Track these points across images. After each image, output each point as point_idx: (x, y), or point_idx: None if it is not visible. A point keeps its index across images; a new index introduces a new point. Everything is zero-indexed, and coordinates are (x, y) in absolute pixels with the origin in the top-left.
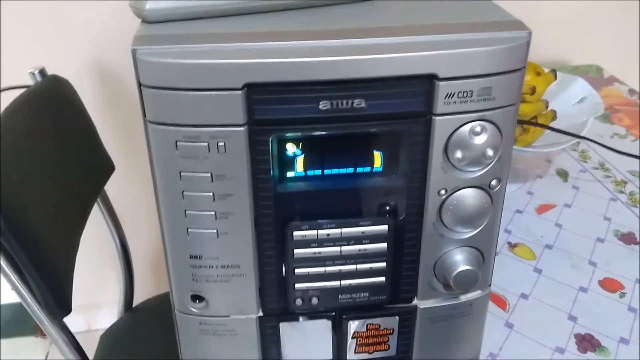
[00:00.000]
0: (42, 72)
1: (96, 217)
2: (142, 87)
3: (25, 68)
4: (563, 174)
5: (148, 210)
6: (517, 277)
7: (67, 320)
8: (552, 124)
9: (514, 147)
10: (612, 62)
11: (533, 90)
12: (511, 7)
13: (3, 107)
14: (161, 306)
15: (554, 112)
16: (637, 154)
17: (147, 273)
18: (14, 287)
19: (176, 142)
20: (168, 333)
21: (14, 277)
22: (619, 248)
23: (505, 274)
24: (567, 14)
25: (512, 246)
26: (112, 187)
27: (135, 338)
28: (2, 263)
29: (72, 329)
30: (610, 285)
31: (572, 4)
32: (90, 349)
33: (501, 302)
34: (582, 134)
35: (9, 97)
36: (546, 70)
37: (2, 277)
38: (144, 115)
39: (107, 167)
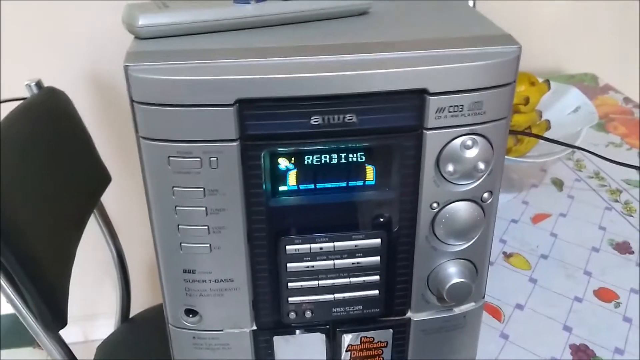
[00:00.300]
0: (38, 84)
1: (93, 228)
2: (134, 103)
3: (21, 80)
4: (558, 183)
5: (144, 221)
6: (512, 287)
7: (63, 330)
8: (547, 134)
9: (508, 157)
10: (607, 70)
11: (527, 101)
12: (506, 16)
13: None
14: (158, 317)
15: (547, 122)
16: (632, 162)
17: (143, 284)
18: (9, 300)
19: (169, 157)
20: (165, 344)
21: (9, 290)
22: (614, 257)
23: (501, 284)
24: (562, 22)
25: (507, 256)
26: (109, 198)
27: (132, 349)
28: None
29: (69, 339)
30: (605, 295)
31: (567, 11)
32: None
33: (496, 313)
34: (576, 144)
35: (5, 109)
36: (540, 80)
37: None
38: (136, 131)
39: (103, 178)
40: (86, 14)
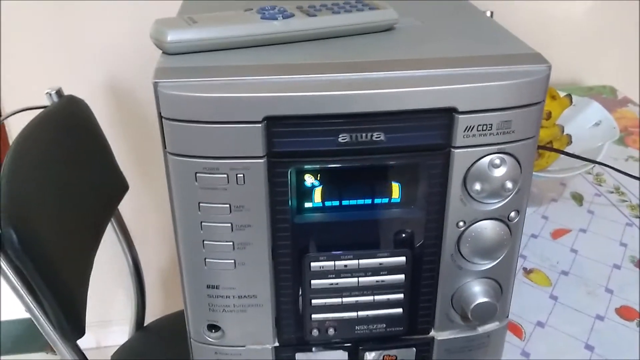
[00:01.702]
0: (58, 92)
1: (109, 236)
2: (163, 119)
3: (42, 89)
4: (578, 198)
5: (161, 229)
6: (533, 304)
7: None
8: (568, 149)
9: None
10: (625, 82)
11: (549, 116)
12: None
13: (21, 127)
14: (172, 326)
15: (569, 136)
16: None
17: (158, 292)
18: (28, 309)
19: (196, 173)
20: (179, 353)
21: (28, 299)
22: (635, 275)
23: (521, 300)
24: (580, 33)
25: (527, 272)
26: (126, 206)
27: (147, 357)
28: (16, 284)
29: (82, 345)
30: (627, 313)
31: (585, 23)
32: None
33: (517, 330)
34: (597, 159)
35: (26, 118)
36: (561, 94)
37: (17, 298)
38: (164, 146)
39: (121, 187)
40: (105, 23)
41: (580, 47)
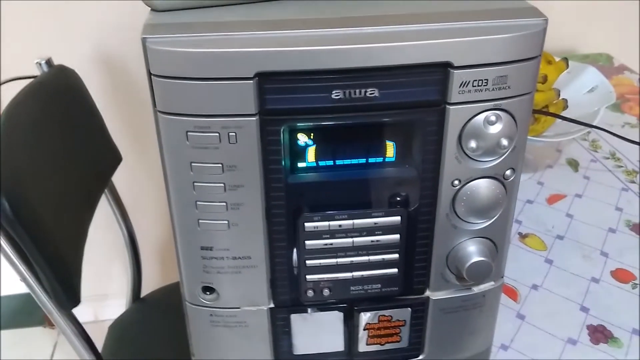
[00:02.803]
0: (48, 62)
1: (104, 208)
2: (152, 77)
3: (31, 58)
4: (574, 164)
5: (156, 200)
6: (528, 267)
7: (75, 310)
8: (564, 113)
9: None
10: (622, 50)
11: (544, 79)
12: None
13: (10, 97)
14: (169, 296)
15: (565, 101)
16: None
17: (154, 264)
18: (23, 279)
19: (187, 132)
20: (176, 323)
21: (22, 268)
22: (630, 238)
23: (517, 264)
24: (577, 1)
25: (522, 237)
26: (120, 178)
27: (144, 328)
28: (10, 254)
29: (80, 319)
30: (622, 275)
31: None
32: (98, 339)
33: (512, 293)
34: (594, 123)
35: (16, 88)
36: (557, 59)
37: (12, 268)
38: (154, 105)
39: (114, 158)
40: None
41: (576, 15)
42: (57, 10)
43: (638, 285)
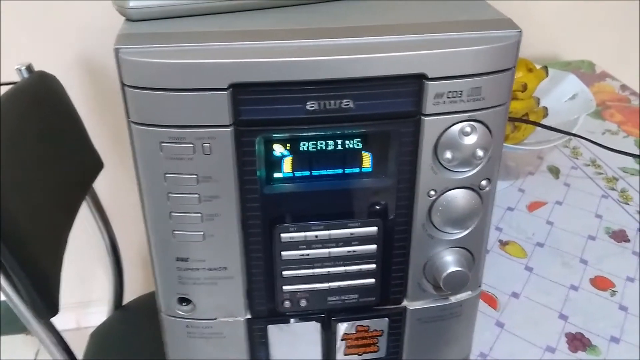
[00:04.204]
0: (29, 68)
1: (85, 215)
2: (125, 87)
3: (11, 64)
4: (554, 171)
5: (137, 207)
6: (508, 275)
7: (56, 318)
8: (544, 121)
9: (505, 144)
10: (604, 57)
11: (524, 88)
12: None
13: None
14: (151, 304)
15: (545, 109)
16: (629, 150)
17: (137, 270)
18: (0, 287)
19: (161, 143)
20: (158, 331)
21: (0, 277)
22: (610, 246)
23: (496, 272)
24: (559, 8)
25: (503, 244)
26: (101, 185)
27: (125, 336)
28: None
29: (61, 326)
30: (601, 283)
31: None
32: (79, 347)
33: (492, 301)
34: (574, 131)
35: None
36: (538, 67)
37: None
38: (127, 115)
39: (95, 165)
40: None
41: (558, 22)
42: (38, 15)
43: (616, 293)
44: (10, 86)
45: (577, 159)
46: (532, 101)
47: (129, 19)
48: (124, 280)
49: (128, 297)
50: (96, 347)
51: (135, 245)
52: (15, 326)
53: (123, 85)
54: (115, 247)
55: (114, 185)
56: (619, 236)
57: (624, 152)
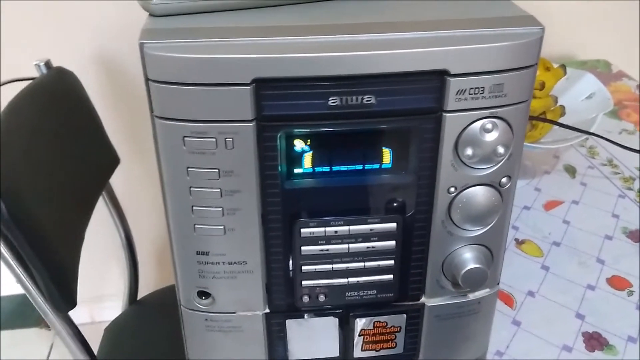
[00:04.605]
0: (47, 64)
1: (101, 210)
2: (149, 82)
3: (30, 60)
4: (571, 170)
5: (153, 203)
6: (524, 274)
7: (71, 312)
8: (561, 120)
9: None
10: (620, 57)
11: (542, 86)
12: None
13: (9, 99)
14: (165, 299)
15: (562, 107)
16: None
17: (151, 266)
18: (19, 280)
19: (184, 137)
20: (172, 326)
21: (19, 270)
22: (627, 245)
23: (513, 271)
24: (575, 8)
25: (519, 243)
26: (117, 180)
27: (140, 331)
28: (7, 256)
29: (76, 320)
30: (618, 283)
31: None
32: (94, 341)
33: (508, 300)
34: (591, 130)
35: (14, 89)
36: (555, 66)
37: (7, 269)
38: (151, 110)
39: (112, 160)
40: None
41: (574, 21)
42: (57, 12)
43: (634, 293)
44: (29, 82)
45: (594, 158)
46: (549, 100)
47: (152, 14)
48: (139, 275)
49: (142, 292)
50: (111, 342)
51: (149, 241)
52: (29, 320)
53: (147, 79)
54: (130, 242)
55: (130, 180)
56: (636, 236)
57: None
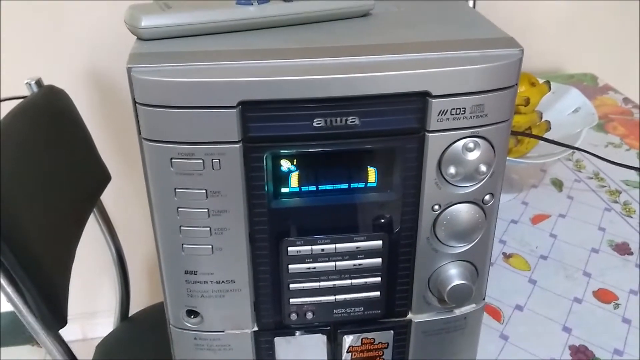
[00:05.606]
0: (38, 82)
1: (92, 227)
2: (137, 105)
3: (21, 78)
4: (558, 184)
5: (144, 219)
6: (512, 288)
7: (63, 329)
8: (547, 135)
9: (508, 158)
10: (606, 70)
11: (527, 102)
12: (505, 16)
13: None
14: (157, 316)
15: (548, 122)
16: (631, 163)
17: (143, 282)
18: (9, 299)
19: (171, 159)
20: (164, 343)
21: (9, 289)
22: (613, 258)
23: (500, 284)
24: (561, 21)
25: (507, 257)
26: (108, 197)
27: (131, 348)
28: None
29: (68, 337)
30: (604, 296)
31: (567, 11)
32: (85, 358)
33: (496, 314)
34: (576, 145)
35: (5, 108)
36: (540, 81)
37: None
38: (139, 132)
39: (103, 177)
40: (86, 12)
41: (561, 35)
42: (48, 30)
43: (619, 306)
44: (20, 100)
45: (580, 172)
46: (534, 115)
47: (140, 38)
48: (130, 292)
49: (134, 308)
50: (102, 359)
51: (141, 257)
52: (21, 337)
53: (135, 102)
54: (121, 258)
55: (121, 197)
56: (622, 249)
57: (626, 165)
